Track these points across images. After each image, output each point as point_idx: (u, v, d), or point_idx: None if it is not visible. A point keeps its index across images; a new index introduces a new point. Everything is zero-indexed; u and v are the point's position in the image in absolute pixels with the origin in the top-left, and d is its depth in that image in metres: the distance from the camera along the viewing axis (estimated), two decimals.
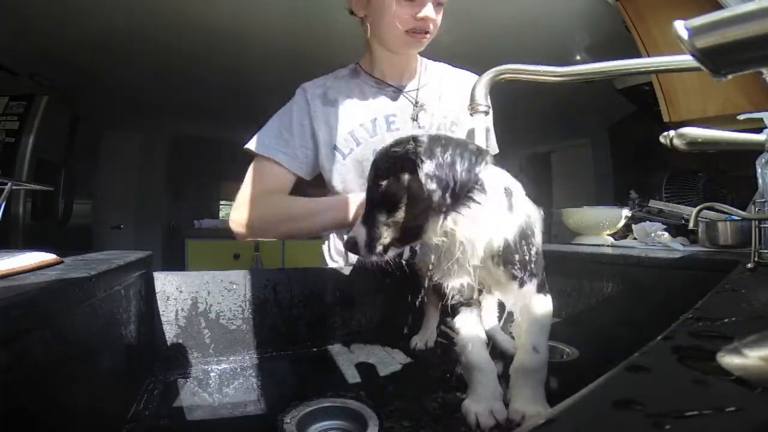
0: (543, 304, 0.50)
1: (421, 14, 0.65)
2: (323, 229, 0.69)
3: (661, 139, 0.42)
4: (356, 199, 0.62)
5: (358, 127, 0.73)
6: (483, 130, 0.45)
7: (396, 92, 0.77)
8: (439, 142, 0.40)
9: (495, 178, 0.42)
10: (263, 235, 0.72)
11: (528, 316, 0.49)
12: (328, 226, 0.66)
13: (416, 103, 0.76)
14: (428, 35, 0.69)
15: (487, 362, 0.50)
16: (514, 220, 0.44)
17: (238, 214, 0.71)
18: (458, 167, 0.38)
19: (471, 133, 0.46)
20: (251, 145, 0.74)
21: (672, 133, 0.41)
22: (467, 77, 0.80)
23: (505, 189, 0.43)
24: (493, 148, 0.81)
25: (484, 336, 0.53)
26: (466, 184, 0.38)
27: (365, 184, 0.56)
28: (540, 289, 0.50)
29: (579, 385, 0.18)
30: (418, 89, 0.77)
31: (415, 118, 0.75)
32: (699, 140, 0.40)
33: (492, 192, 0.41)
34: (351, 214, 0.61)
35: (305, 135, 0.73)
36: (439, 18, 0.69)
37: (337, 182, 0.73)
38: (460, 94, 0.77)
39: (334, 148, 0.72)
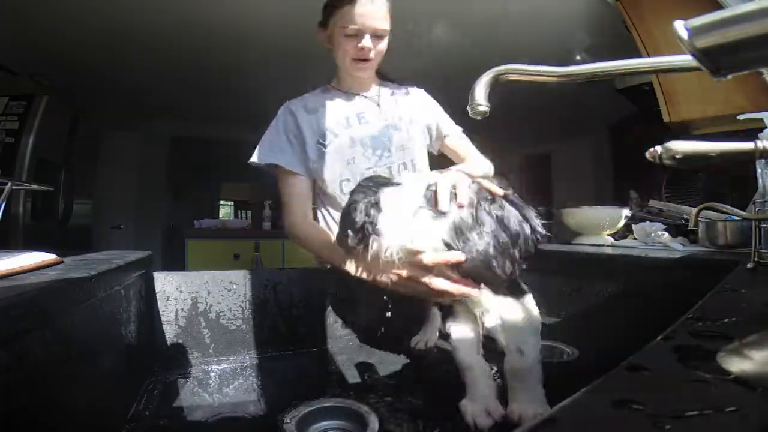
0: (517, 307, 0.50)
1: (360, 44, 0.82)
2: None
3: (648, 156, 0.42)
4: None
5: (335, 124, 0.88)
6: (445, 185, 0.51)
7: (361, 97, 0.94)
8: (354, 197, 0.54)
9: (396, 209, 0.52)
10: (302, 247, 0.86)
11: (503, 319, 0.50)
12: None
13: (378, 104, 0.93)
14: (370, 62, 0.86)
15: (478, 362, 0.51)
16: (440, 227, 0.50)
17: (287, 224, 0.87)
18: (353, 217, 0.52)
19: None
20: (253, 158, 0.88)
21: (659, 149, 0.41)
22: (412, 88, 1.01)
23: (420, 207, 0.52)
24: (452, 128, 1.00)
25: (473, 336, 0.53)
26: (359, 230, 0.52)
27: (347, 166, 0.87)
28: (512, 291, 0.50)
29: (579, 385, 0.18)
30: (379, 95, 0.95)
31: (380, 115, 0.91)
32: (688, 153, 0.39)
33: (388, 221, 0.51)
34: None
35: (295, 144, 0.88)
36: (380, 46, 0.85)
37: (325, 171, 0.87)
38: (413, 99, 0.98)
39: (318, 143, 0.87)
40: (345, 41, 0.83)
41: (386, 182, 0.56)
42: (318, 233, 0.83)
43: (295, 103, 0.91)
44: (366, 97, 0.94)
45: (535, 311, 0.51)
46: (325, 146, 0.87)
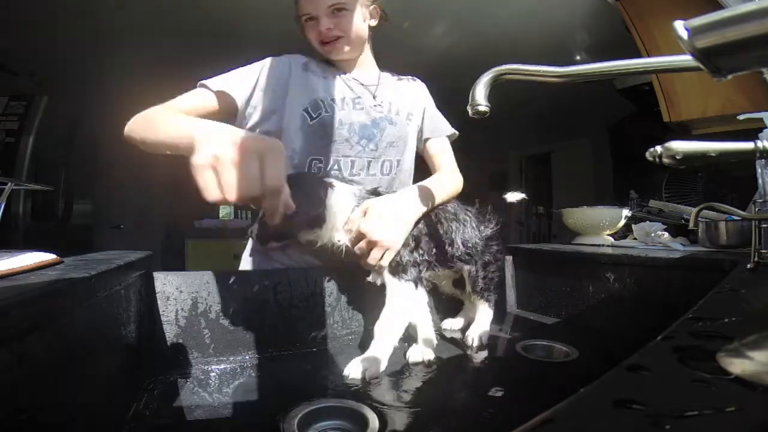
0: (395, 286, 0.66)
1: (319, 28, 0.79)
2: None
3: (648, 156, 0.42)
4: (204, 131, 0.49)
5: (329, 100, 0.82)
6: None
7: (360, 85, 0.87)
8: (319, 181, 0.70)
9: (344, 194, 0.67)
10: (134, 137, 0.68)
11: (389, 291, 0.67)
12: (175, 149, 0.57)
13: (375, 95, 0.88)
14: (339, 40, 0.81)
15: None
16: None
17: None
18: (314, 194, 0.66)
19: None
20: (211, 83, 0.77)
21: (659, 149, 0.41)
22: (411, 78, 0.97)
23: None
24: (444, 130, 0.96)
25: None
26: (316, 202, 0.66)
27: (325, 146, 0.80)
28: (397, 274, 0.66)
29: (579, 385, 0.18)
30: (378, 84, 0.90)
31: (376, 105, 0.87)
32: (688, 153, 0.39)
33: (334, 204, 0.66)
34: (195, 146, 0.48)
35: (266, 89, 0.79)
36: (343, 22, 0.79)
37: (299, 141, 0.80)
38: (412, 93, 0.94)
39: (305, 110, 0.80)
40: (308, 28, 0.81)
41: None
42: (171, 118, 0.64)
43: (294, 57, 0.85)
44: (363, 84, 0.88)
45: (402, 296, 0.65)
46: (312, 117, 0.80)
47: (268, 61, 0.83)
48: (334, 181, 0.67)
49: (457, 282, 0.83)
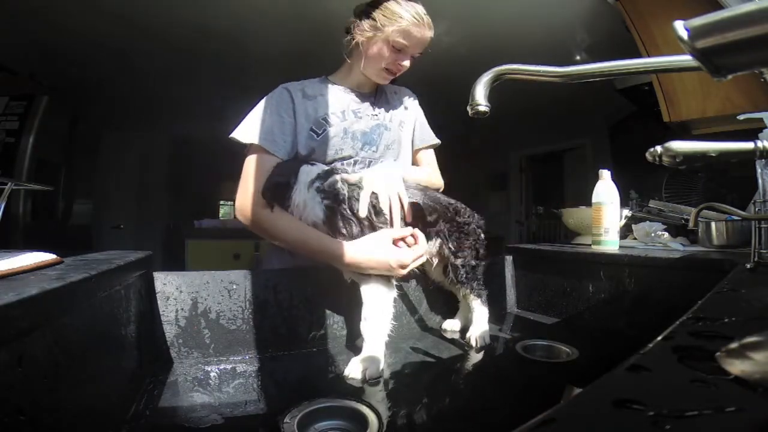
0: (365, 286, 0.69)
1: (402, 62, 0.89)
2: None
3: (648, 157, 0.42)
4: (352, 248, 0.69)
5: (331, 114, 0.89)
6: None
7: (359, 94, 0.96)
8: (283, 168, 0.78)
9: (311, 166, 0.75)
10: (264, 236, 0.82)
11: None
12: (321, 261, 0.74)
13: (374, 104, 0.96)
14: (397, 74, 0.92)
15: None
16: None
17: (245, 206, 0.81)
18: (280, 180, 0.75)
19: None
20: (242, 136, 0.85)
21: (659, 149, 0.41)
22: (404, 90, 1.06)
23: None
24: (430, 139, 1.05)
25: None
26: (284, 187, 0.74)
27: (333, 155, 0.87)
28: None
29: (579, 385, 0.18)
30: (375, 96, 0.99)
31: (373, 114, 0.95)
32: (688, 153, 0.39)
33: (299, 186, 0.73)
34: (346, 260, 0.69)
35: (284, 125, 0.87)
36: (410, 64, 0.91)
37: (305, 150, 0.87)
38: (404, 103, 1.03)
39: (311, 130, 0.87)
40: (389, 51, 0.87)
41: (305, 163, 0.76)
42: (291, 218, 0.75)
43: (293, 85, 0.91)
44: (363, 94, 0.96)
45: (375, 295, 0.67)
46: (317, 134, 0.87)
47: (275, 95, 0.90)
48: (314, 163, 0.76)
49: (445, 269, 0.82)
